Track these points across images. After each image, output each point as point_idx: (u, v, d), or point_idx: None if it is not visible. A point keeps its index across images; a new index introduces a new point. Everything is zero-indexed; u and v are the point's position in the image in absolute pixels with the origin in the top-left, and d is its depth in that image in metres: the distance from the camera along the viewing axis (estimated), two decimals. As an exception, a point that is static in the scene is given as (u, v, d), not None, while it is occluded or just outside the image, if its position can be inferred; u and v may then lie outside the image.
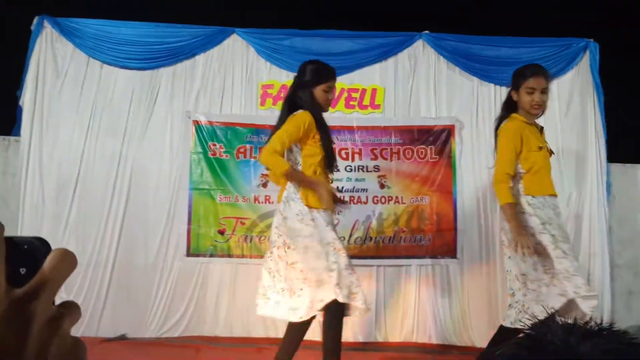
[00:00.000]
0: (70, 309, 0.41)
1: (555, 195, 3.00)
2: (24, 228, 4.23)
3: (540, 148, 2.95)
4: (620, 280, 4.47)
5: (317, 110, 2.90)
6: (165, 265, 4.29)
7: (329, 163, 2.96)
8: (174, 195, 4.34)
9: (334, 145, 3.05)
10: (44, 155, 4.34)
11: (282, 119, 2.93)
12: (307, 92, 2.91)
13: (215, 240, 4.33)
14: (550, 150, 3.10)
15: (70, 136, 4.36)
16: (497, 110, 4.47)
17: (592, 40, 4.48)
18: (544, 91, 2.97)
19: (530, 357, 0.59)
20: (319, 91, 2.90)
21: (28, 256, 0.40)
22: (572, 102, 4.51)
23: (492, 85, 4.50)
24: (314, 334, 3.62)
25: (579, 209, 4.39)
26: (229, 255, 4.31)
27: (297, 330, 2.90)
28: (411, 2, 4.73)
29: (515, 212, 2.89)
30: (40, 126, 4.35)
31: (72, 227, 4.31)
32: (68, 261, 0.41)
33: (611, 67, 4.48)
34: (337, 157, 4.31)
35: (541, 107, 2.99)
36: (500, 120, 3.12)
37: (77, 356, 0.41)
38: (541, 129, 3.10)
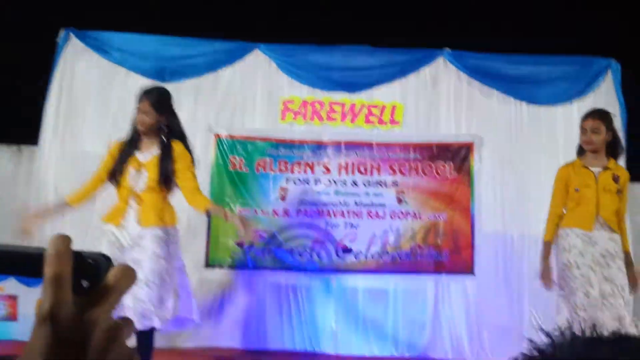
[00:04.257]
0: (127, 322, 0.44)
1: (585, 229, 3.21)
2: (42, 235, 4.29)
3: (577, 190, 3.25)
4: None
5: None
6: (184, 276, 4.33)
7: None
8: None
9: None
10: (65, 164, 4.40)
11: None
12: None
13: (234, 252, 4.37)
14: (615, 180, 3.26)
15: (91, 146, 4.41)
16: (516, 127, 4.50)
17: (613, 59, 4.47)
18: (595, 131, 3.23)
19: None
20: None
21: (92, 270, 0.43)
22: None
23: (512, 102, 4.51)
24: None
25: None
26: (247, 267, 4.35)
27: None
28: (432, 19, 4.74)
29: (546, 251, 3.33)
30: (62, 135, 4.42)
31: (90, 235, 4.35)
32: (129, 276, 0.44)
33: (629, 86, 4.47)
34: (356, 172, 4.41)
35: (590, 145, 3.25)
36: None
37: None
38: (616, 177, 3.26)
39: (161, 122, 3.08)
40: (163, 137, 3.09)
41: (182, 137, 3.14)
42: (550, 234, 3.33)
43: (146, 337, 2.98)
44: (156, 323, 2.95)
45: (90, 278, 0.43)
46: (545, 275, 3.29)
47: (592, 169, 3.27)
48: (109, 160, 3.13)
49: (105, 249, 2.94)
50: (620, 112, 4.41)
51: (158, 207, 3.06)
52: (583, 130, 3.26)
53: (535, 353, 0.56)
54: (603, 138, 3.23)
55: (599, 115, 3.26)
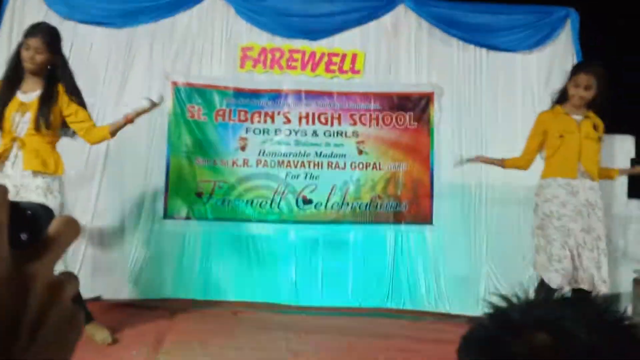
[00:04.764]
0: (70, 277, 0.40)
1: (568, 176, 3.24)
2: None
3: (561, 136, 3.25)
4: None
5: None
6: (142, 227, 4.26)
7: None
8: (151, 157, 4.29)
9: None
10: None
11: None
12: None
13: (193, 203, 4.31)
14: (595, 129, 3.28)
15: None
16: (476, 76, 4.49)
17: (572, 9, 4.48)
18: (588, 88, 3.21)
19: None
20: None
21: (30, 222, 0.39)
22: (552, 73, 4.49)
23: (472, 51, 4.49)
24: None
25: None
26: (206, 218, 4.30)
27: None
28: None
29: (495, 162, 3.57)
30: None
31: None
32: (73, 228, 0.41)
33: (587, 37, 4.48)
34: (317, 122, 4.36)
35: (582, 100, 3.24)
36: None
37: (75, 325, 0.40)
38: (595, 126, 3.29)
39: (52, 62, 2.91)
40: (48, 79, 2.92)
41: (69, 81, 2.98)
42: (510, 164, 3.48)
43: None
44: None
45: (30, 230, 0.38)
46: (480, 158, 3.62)
47: (574, 116, 3.27)
48: None
49: None
50: (577, 61, 4.43)
51: (40, 152, 2.88)
52: (576, 83, 3.23)
53: (494, 313, 0.57)
54: (594, 94, 3.22)
55: (593, 71, 3.22)
